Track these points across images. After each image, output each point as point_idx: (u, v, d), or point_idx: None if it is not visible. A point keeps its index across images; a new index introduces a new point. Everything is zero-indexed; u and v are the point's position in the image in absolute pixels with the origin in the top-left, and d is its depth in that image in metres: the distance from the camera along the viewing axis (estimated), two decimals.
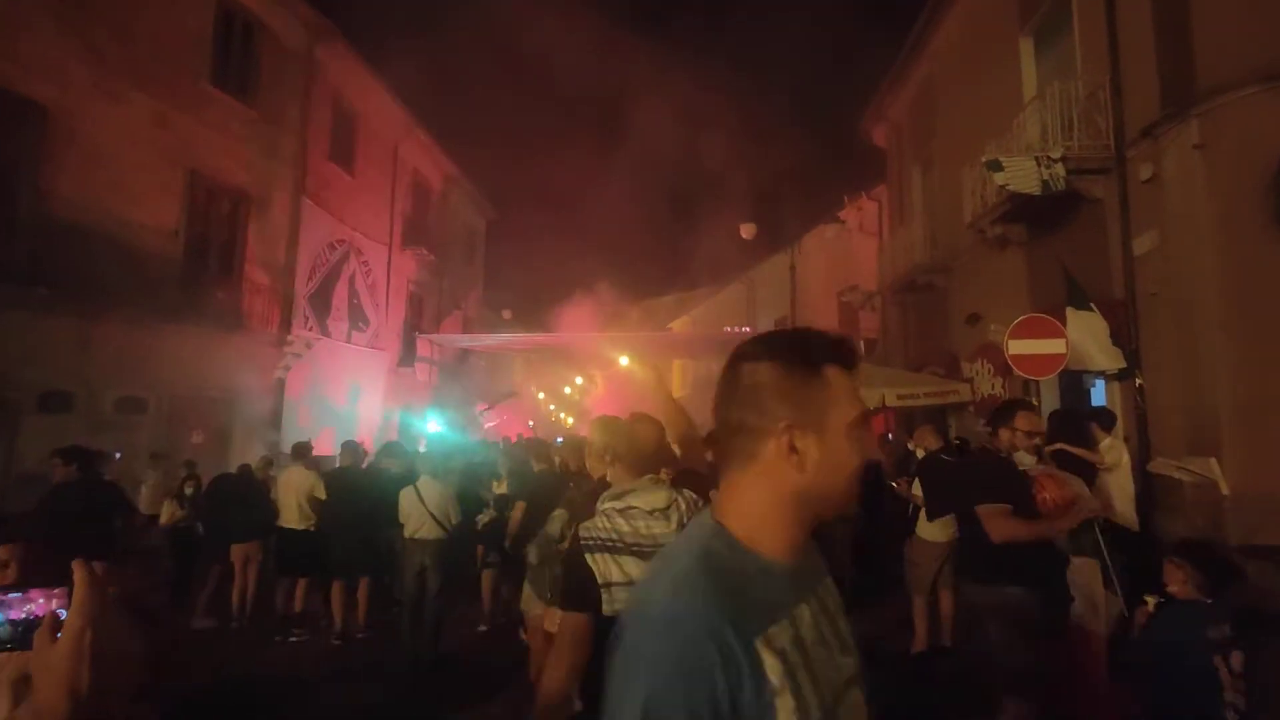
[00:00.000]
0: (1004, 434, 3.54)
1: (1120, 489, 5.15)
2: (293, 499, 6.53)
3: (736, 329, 22.85)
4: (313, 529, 6.44)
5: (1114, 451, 5.35)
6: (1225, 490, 5.81)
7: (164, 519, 7.11)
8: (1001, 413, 3.66)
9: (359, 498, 6.21)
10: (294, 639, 6.30)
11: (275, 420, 12.66)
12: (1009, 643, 3.20)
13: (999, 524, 3.27)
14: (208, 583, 6.86)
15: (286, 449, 12.41)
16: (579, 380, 36.86)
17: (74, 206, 9.11)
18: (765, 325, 21.31)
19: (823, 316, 17.30)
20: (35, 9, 8.84)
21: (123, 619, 0.75)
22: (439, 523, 5.55)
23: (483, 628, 6.27)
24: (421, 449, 10.51)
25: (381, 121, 16.97)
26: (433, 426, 13.74)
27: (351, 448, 6.99)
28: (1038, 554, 3.32)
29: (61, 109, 9.09)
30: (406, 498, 5.65)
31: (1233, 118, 6.03)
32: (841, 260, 16.61)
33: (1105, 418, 5.72)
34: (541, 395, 32.68)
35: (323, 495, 6.51)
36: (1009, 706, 3.30)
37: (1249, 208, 5.92)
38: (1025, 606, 3.21)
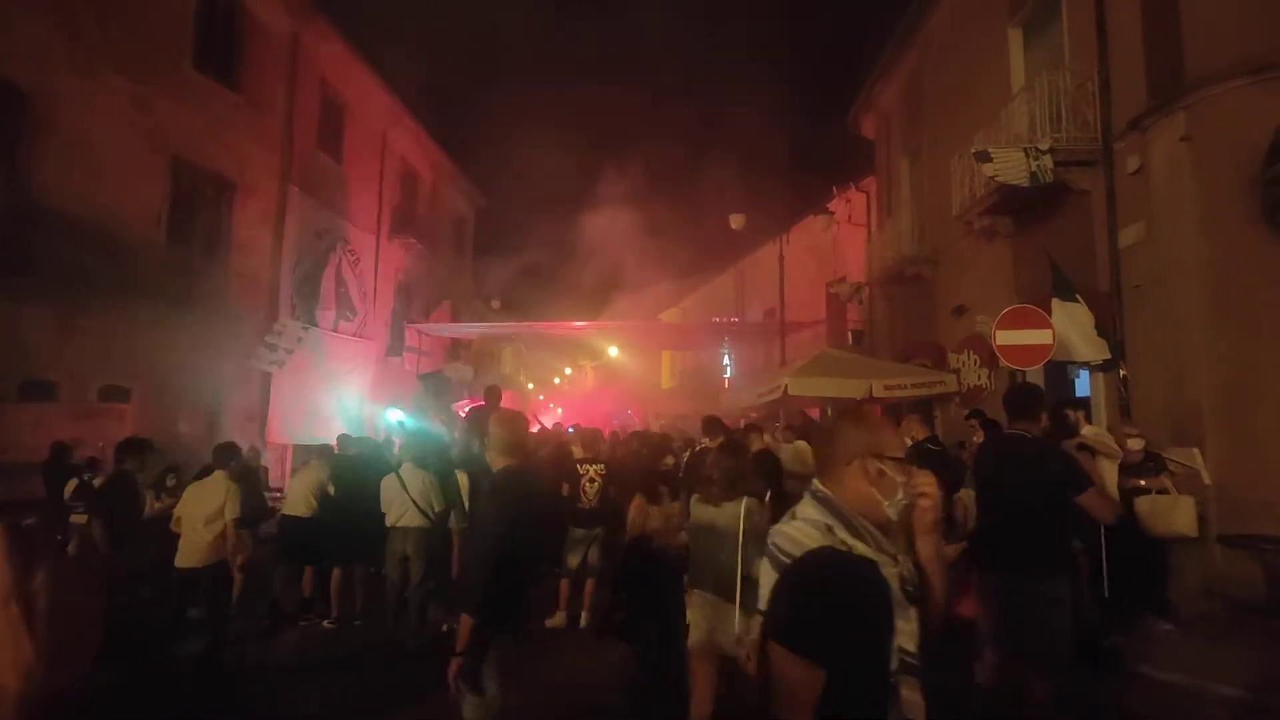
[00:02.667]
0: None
1: (1109, 477, 5.23)
2: (302, 489, 6.61)
3: (725, 319, 22.87)
4: (314, 517, 6.47)
5: (1103, 438, 5.44)
6: (1207, 480, 5.87)
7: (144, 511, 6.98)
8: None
9: (366, 487, 6.20)
10: (290, 625, 6.30)
11: (262, 408, 12.56)
12: (1062, 628, 3.31)
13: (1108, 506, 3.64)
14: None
15: (274, 437, 12.34)
16: (568, 371, 36.86)
17: (53, 192, 8.95)
18: (754, 316, 21.35)
19: (811, 308, 17.34)
20: None
21: (71, 583, 0.69)
22: (421, 511, 5.53)
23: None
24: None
25: (369, 109, 16.78)
26: (394, 415, 13.60)
27: (368, 440, 7.20)
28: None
29: (40, 92, 8.90)
30: (389, 486, 5.64)
31: (1219, 110, 6.06)
32: (830, 251, 16.64)
33: (1079, 407, 5.81)
34: (531, 385, 32.61)
35: (332, 489, 6.55)
36: (985, 658, 3.50)
37: (1234, 200, 5.96)
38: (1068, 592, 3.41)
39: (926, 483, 1.57)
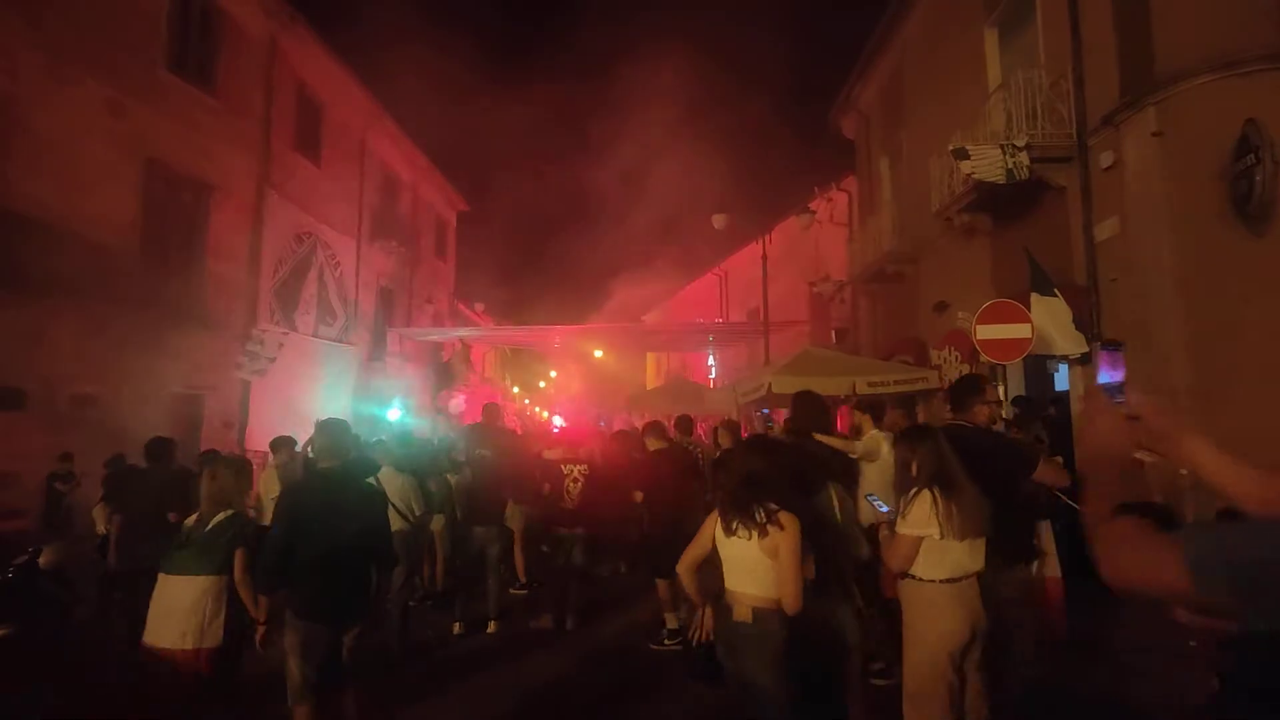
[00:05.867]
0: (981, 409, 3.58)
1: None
2: (265, 497, 6.51)
3: (709, 320, 22.92)
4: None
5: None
6: (1184, 470, 5.95)
7: (101, 527, 6.47)
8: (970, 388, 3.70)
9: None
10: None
11: (241, 415, 12.39)
12: (1020, 624, 3.31)
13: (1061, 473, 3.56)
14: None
15: (254, 444, 12.17)
16: (553, 374, 36.80)
17: (24, 197, 8.77)
18: (737, 316, 21.43)
19: (794, 307, 17.42)
20: None
21: None
22: (401, 514, 5.47)
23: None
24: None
25: (348, 110, 16.65)
26: (394, 414, 13.50)
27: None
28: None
29: (10, 96, 8.73)
30: None
31: (1189, 105, 6.16)
32: (812, 251, 16.73)
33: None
34: (516, 389, 32.47)
35: (275, 492, 6.44)
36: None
37: (1205, 193, 6.06)
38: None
39: None
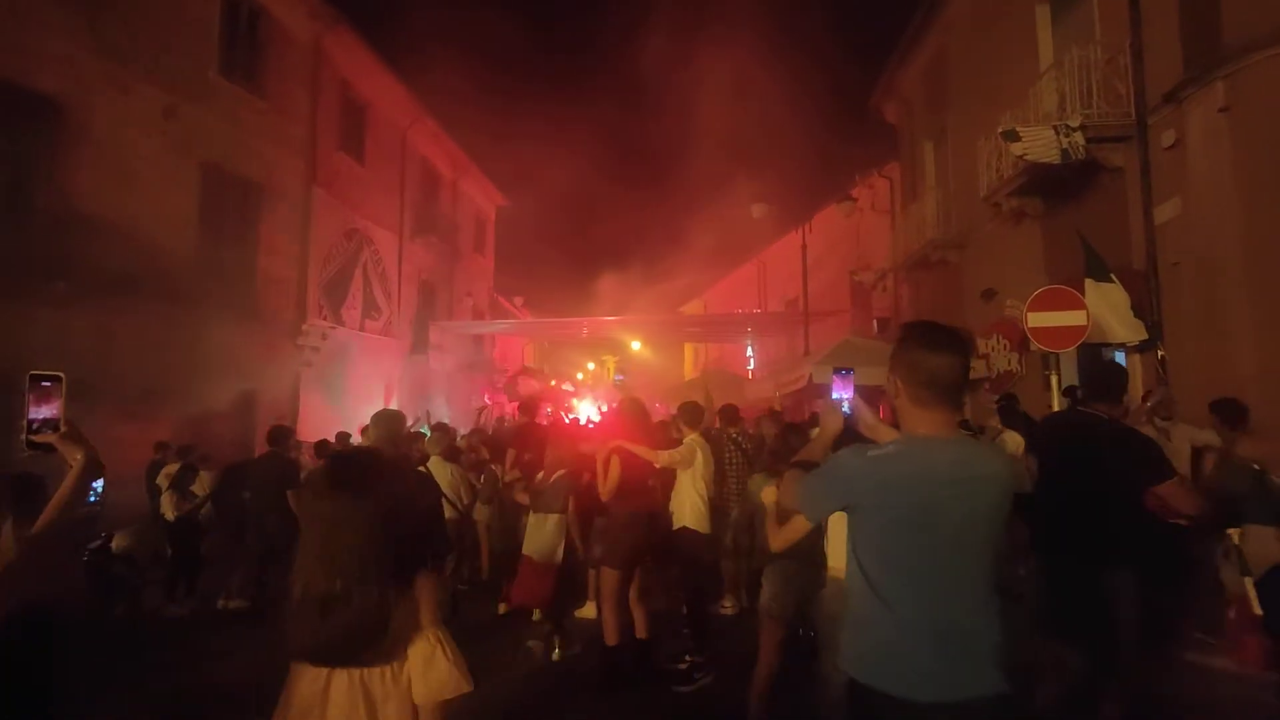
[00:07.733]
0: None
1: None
2: None
3: (748, 310, 22.74)
4: None
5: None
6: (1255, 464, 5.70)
7: (171, 513, 6.82)
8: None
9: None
10: None
11: (292, 407, 12.78)
12: (1129, 624, 3.10)
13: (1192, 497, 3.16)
14: (240, 567, 7.00)
15: (304, 435, 12.53)
16: (591, 366, 36.97)
17: (89, 200, 9.18)
18: (776, 306, 21.22)
19: (835, 296, 17.18)
20: (43, 2, 8.86)
21: None
22: (451, 503, 5.59)
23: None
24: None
25: (390, 109, 16.94)
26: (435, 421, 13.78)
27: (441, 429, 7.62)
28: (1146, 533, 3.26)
29: (73, 103, 9.13)
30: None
31: (1260, 79, 5.86)
32: (853, 239, 16.46)
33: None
34: (554, 381, 32.72)
35: None
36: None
37: (1276, 171, 5.77)
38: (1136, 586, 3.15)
39: None
